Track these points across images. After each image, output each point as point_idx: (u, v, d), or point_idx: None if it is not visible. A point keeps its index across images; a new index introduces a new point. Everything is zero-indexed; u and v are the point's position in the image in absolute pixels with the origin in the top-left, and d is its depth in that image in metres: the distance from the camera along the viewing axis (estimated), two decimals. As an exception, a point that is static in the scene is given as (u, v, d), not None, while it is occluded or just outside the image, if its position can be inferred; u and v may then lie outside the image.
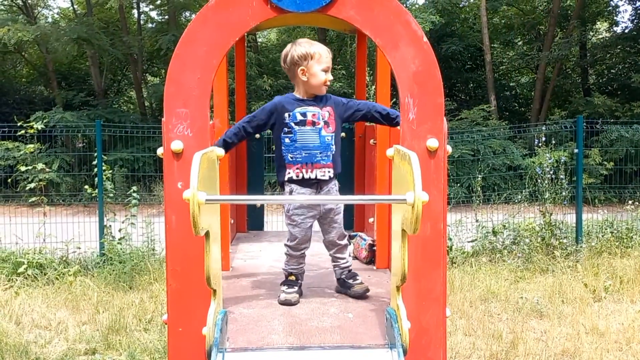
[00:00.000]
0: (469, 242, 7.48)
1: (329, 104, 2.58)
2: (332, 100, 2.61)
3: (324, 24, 4.22)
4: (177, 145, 1.89)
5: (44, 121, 12.71)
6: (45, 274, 6.27)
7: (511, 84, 21.38)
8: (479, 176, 7.38)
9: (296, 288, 2.54)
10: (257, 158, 4.16)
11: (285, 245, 2.62)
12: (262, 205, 4.14)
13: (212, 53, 1.89)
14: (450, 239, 7.10)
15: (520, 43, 19.48)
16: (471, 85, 20.84)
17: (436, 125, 1.94)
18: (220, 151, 1.95)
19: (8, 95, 15.67)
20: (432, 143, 1.93)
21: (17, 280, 6.09)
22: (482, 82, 19.00)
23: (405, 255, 1.79)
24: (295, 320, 2.26)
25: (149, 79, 18.28)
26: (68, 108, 14.74)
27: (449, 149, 2.01)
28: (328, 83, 2.55)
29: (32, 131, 6.74)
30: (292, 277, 2.59)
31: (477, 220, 7.37)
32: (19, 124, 6.74)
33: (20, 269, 6.19)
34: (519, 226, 7.35)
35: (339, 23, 4.03)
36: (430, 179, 1.94)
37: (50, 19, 17.60)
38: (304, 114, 2.48)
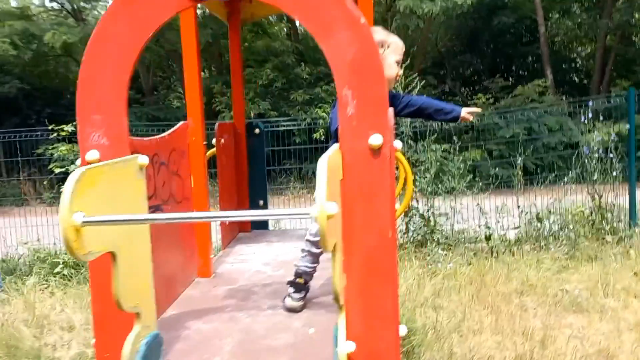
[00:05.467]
0: (512, 229, 7.04)
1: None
2: (390, 93, 2.50)
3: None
4: (92, 155, 1.74)
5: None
6: (81, 274, 6.39)
7: (573, 56, 20.18)
8: (519, 158, 6.90)
9: (303, 294, 2.38)
10: (259, 154, 3.99)
11: (307, 240, 2.41)
12: (265, 203, 3.98)
13: (126, 52, 1.72)
14: (488, 228, 6.70)
15: (578, 11, 18.28)
16: (530, 59, 19.81)
17: (379, 119, 1.68)
18: (144, 159, 1.78)
19: (62, 96, 16.25)
20: (375, 140, 1.68)
21: (53, 280, 6.23)
22: (540, 55, 18.04)
23: (336, 271, 1.56)
24: (249, 337, 2.08)
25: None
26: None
27: (398, 145, 1.75)
28: (398, 78, 2.47)
29: (64, 134, 6.86)
30: (301, 280, 2.41)
31: (518, 206, 6.91)
32: (50, 128, 6.89)
33: (57, 269, 6.33)
34: (567, 210, 6.84)
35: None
36: (374, 182, 1.70)
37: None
38: None
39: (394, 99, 2.52)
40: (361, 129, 1.69)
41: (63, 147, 6.90)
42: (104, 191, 1.52)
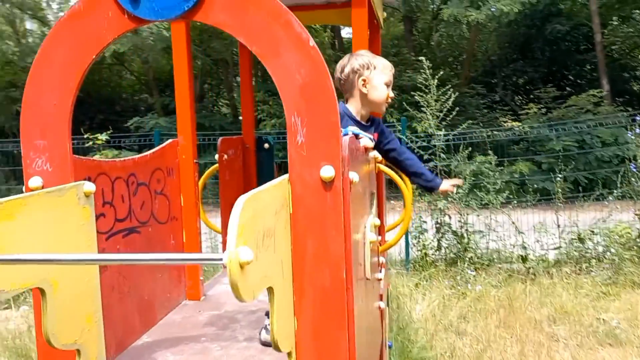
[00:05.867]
0: (552, 249, 6.65)
1: (376, 130, 2.39)
2: (380, 126, 2.43)
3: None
4: (35, 182, 1.67)
5: (139, 127, 13.44)
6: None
7: (634, 64, 19.15)
8: (559, 175, 6.51)
9: None
10: (267, 168, 3.89)
11: None
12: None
13: (69, 74, 1.65)
14: (524, 248, 6.35)
15: (638, 18, 17.35)
16: (587, 67, 18.95)
17: (331, 149, 1.54)
18: (90, 186, 1.69)
19: (115, 103, 16.78)
20: (327, 172, 1.53)
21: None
22: (597, 63, 17.21)
23: (274, 316, 1.42)
24: (211, 373, 1.96)
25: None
26: (168, 114, 15.45)
27: (354, 177, 1.60)
28: (389, 100, 2.36)
29: (99, 142, 7.01)
30: None
31: (558, 225, 6.52)
32: (85, 136, 7.05)
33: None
34: (611, 231, 6.40)
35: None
36: (327, 217, 1.55)
37: (154, 30, 18.54)
38: (355, 135, 2.21)
39: (382, 135, 2.36)
40: (311, 160, 1.55)
41: (96, 156, 7.05)
42: (28, 224, 1.44)
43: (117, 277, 2.16)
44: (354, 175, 1.59)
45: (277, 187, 1.49)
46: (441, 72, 6.72)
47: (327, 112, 1.53)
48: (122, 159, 2.28)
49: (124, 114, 16.55)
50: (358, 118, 2.33)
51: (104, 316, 2.06)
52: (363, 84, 2.32)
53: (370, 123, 2.38)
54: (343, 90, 2.41)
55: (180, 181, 2.75)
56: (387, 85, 2.34)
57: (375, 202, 2.43)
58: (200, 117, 14.43)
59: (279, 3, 1.53)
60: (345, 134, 2.11)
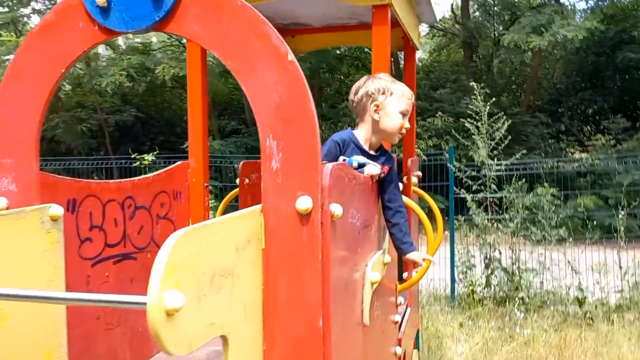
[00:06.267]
0: (614, 292, 6.09)
1: (387, 162, 2.14)
2: (392, 160, 2.18)
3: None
4: (0, 203, 1.56)
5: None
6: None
7: None
8: (621, 212, 5.98)
9: None
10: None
11: None
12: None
13: (39, 89, 1.54)
14: (581, 290, 5.84)
15: None
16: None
17: (309, 177, 1.34)
18: (57, 210, 1.57)
19: (176, 125, 17.20)
20: (304, 203, 1.34)
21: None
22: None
23: (228, 369, 1.23)
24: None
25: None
26: (225, 137, 15.66)
27: (336, 210, 1.39)
28: (404, 131, 2.13)
29: (146, 162, 7.08)
30: None
31: (620, 267, 5.97)
32: (132, 156, 7.14)
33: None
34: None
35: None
36: (302, 255, 1.35)
37: (213, 54, 18.96)
38: (361, 165, 2.03)
39: (389, 172, 2.10)
40: (287, 189, 1.36)
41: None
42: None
43: (102, 306, 2.03)
44: (336, 208, 1.38)
45: (242, 219, 1.31)
46: (496, 99, 6.37)
47: (305, 135, 1.34)
48: (117, 180, 2.17)
49: (183, 136, 16.89)
50: (366, 147, 2.12)
51: (86, 348, 1.93)
52: (375, 110, 2.11)
53: (380, 153, 2.15)
54: (355, 114, 2.22)
55: (189, 205, 2.62)
56: (403, 115, 2.12)
57: (388, 236, 2.20)
58: (254, 140, 14.55)
59: (257, 13, 1.37)
60: (350, 165, 1.91)
